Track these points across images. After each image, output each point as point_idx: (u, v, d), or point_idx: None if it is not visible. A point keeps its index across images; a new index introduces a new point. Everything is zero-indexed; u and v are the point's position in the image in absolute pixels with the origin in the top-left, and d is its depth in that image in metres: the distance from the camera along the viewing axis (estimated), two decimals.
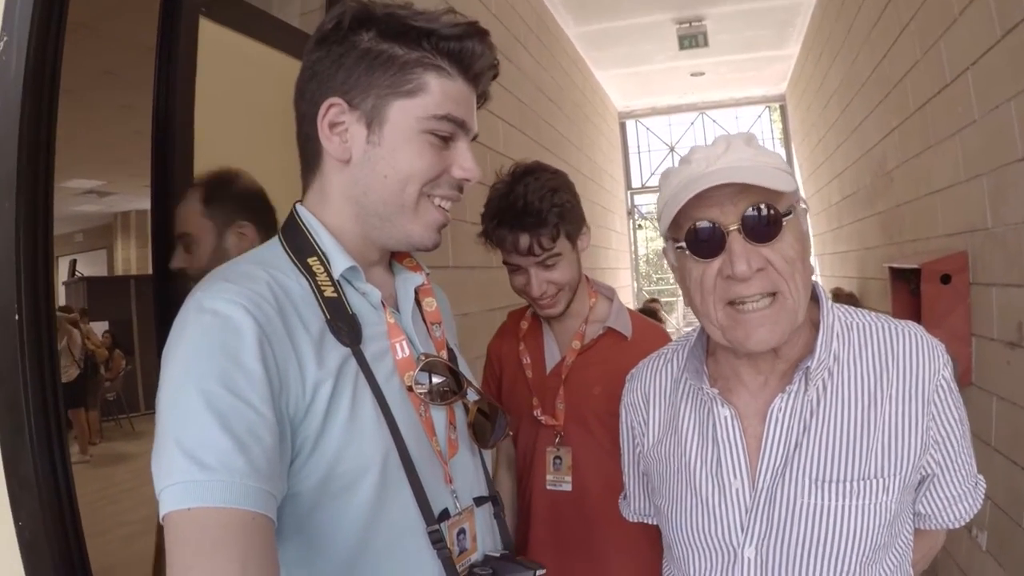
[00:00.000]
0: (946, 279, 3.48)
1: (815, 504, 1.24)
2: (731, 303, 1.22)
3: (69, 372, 2.29)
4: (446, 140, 1.19)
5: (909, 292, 4.07)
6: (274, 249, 1.20)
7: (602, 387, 2.10)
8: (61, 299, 2.12)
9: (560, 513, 2.14)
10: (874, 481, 1.23)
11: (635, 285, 13.56)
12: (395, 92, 1.15)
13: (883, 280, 4.67)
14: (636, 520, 1.65)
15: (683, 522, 1.37)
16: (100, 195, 2.08)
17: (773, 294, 1.20)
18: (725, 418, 1.32)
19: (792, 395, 1.28)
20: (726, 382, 1.36)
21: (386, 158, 1.16)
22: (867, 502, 1.23)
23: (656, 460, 1.47)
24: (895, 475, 1.24)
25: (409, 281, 1.32)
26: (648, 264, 17.70)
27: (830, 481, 1.24)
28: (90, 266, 2.13)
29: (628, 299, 12.03)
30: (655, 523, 1.58)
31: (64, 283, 2.12)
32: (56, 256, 1.86)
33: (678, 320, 14.91)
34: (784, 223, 1.19)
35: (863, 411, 1.27)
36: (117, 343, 2.39)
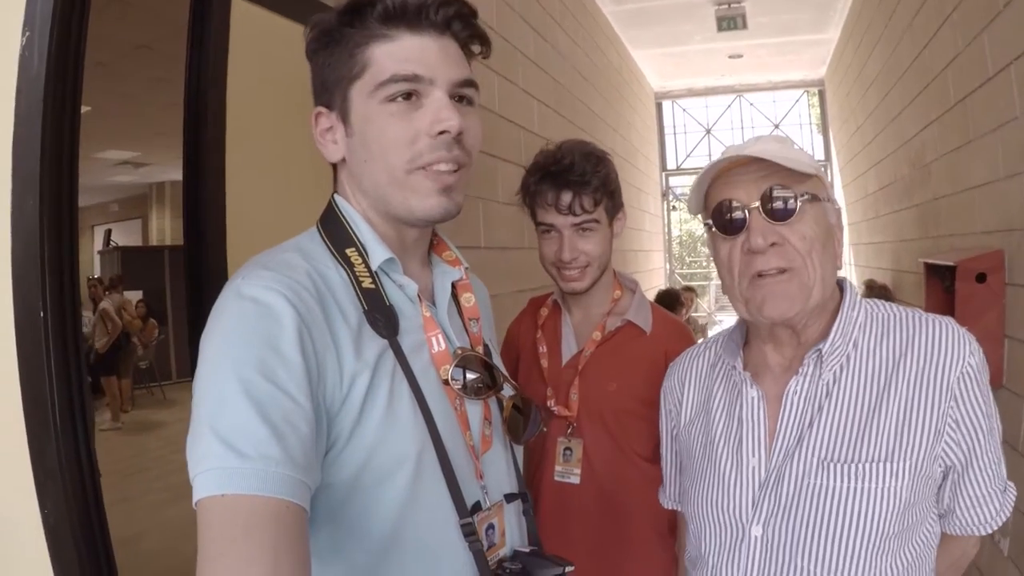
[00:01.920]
0: (981, 278, 3.42)
1: (821, 484, 1.27)
2: (752, 277, 1.30)
3: (101, 341, 2.33)
4: (410, 100, 1.13)
5: (943, 289, 4.01)
6: (313, 238, 1.20)
7: (618, 383, 2.09)
8: (96, 269, 2.15)
9: (567, 505, 2.13)
10: (882, 464, 1.24)
11: (668, 267, 13.49)
12: (350, 78, 1.15)
13: (918, 274, 4.61)
14: (670, 507, 1.71)
15: (701, 498, 1.42)
16: (135, 166, 2.10)
17: (789, 270, 1.28)
18: (752, 398, 1.38)
19: (807, 377, 1.33)
20: (755, 368, 1.42)
21: (361, 144, 1.16)
22: (874, 485, 1.24)
23: (687, 439, 1.53)
24: (905, 459, 1.25)
25: (447, 275, 1.32)
26: (681, 246, 17.61)
27: (838, 462, 1.26)
28: (125, 236, 2.15)
29: (660, 281, 11.99)
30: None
31: (99, 252, 2.16)
32: (91, 226, 1.90)
33: (710, 304, 14.83)
34: (800, 203, 1.27)
35: (877, 395, 1.29)
36: (151, 312, 2.42)
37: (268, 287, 1.00)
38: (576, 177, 2.04)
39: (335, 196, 1.25)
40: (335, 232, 1.19)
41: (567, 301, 2.28)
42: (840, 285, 1.40)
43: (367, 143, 1.15)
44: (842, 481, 1.25)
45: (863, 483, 1.24)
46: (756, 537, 1.32)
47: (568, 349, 2.23)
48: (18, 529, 1.54)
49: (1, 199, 1.49)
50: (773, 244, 1.27)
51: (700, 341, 1.69)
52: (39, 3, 1.44)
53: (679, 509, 1.67)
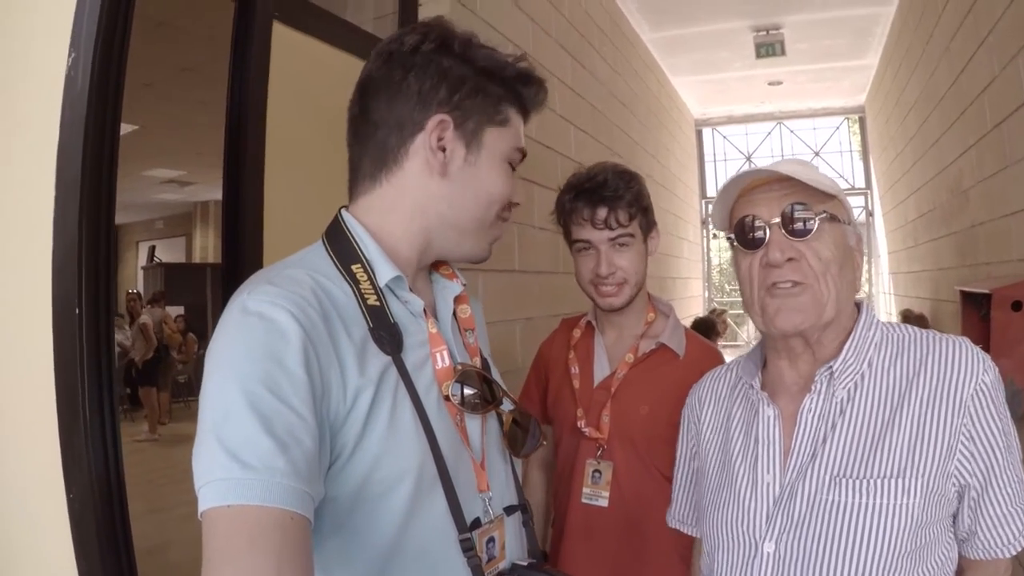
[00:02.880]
0: (1017, 306, 3.37)
1: (833, 500, 1.28)
2: (768, 288, 1.34)
3: (145, 353, 2.38)
4: (513, 169, 1.29)
5: (979, 317, 3.95)
6: (318, 253, 1.22)
7: (650, 407, 2.09)
8: (139, 284, 2.21)
9: (593, 528, 2.12)
10: (894, 481, 1.25)
11: (706, 295, 13.39)
12: (491, 120, 1.24)
13: (955, 303, 4.57)
14: (674, 526, 1.74)
15: (718, 515, 1.44)
16: (180, 184, 2.16)
17: (802, 284, 1.31)
18: (768, 417, 1.40)
19: (820, 395, 1.35)
20: (773, 387, 1.44)
21: (480, 178, 1.24)
22: (886, 502, 1.24)
23: (705, 459, 1.55)
24: (918, 477, 1.25)
25: (448, 290, 1.35)
26: (721, 275, 17.46)
27: (850, 478, 1.27)
28: (169, 252, 2.21)
29: (699, 309, 11.91)
30: (691, 532, 1.67)
31: (143, 268, 2.21)
32: (136, 242, 1.95)
33: (748, 334, 14.67)
34: (818, 221, 1.30)
35: (890, 412, 1.31)
36: (191, 327, 2.47)
37: (273, 303, 1.01)
38: (610, 192, 2.09)
39: (343, 212, 1.27)
40: (341, 248, 1.21)
41: (601, 322, 2.28)
42: (857, 306, 1.42)
43: (487, 182, 1.25)
44: (853, 496, 1.26)
45: (874, 499, 1.25)
46: (768, 553, 1.33)
47: (600, 370, 2.23)
48: (47, 513, 1.60)
49: (45, 202, 1.60)
50: (790, 259, 1.30)
51: (723, 364, 1.71)
52: (84, 27, 1.54)
53: (684, 530, 1.71)
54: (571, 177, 2.21)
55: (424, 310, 1.23)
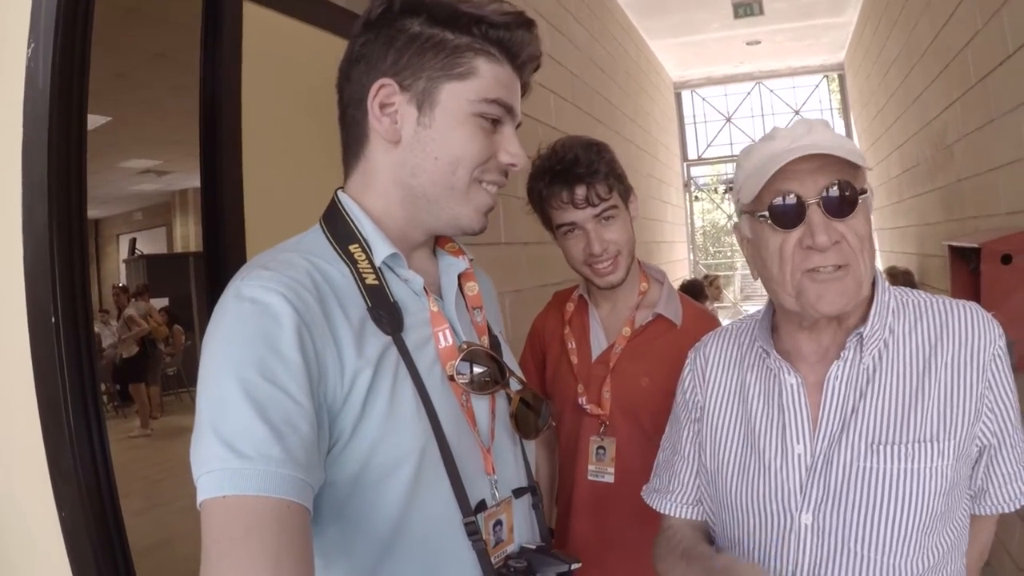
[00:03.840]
0: (1007, 259, 3.39)
1: (871, 467, 1.28)
2: (806, 271, 1.29)
3: (130, 349, 2.36)
4: (494, 124, 1.19)
5: (969, 271, 3.97)
6: (315, 236, 1.21)
7: (650, 378, 2.07)
8: (122, 278, 2.18)
9: (601, 505, 2.11)
10: (929, 444, 1.27)
11: (691, 257, 13.43)
12: (446, 75, 1.15)
13: (943, 258, 4.58)
14: (670, 511, 1.61)
15: (743, 488, 1.41)
16: (158, 174, 2.12)
17: (844, 266, 1.28)
18: (792, 385, 1.38)
19: (848, 362, 1.34)
20: (787, 355, 1.42)
21: (437, 140, 1.16)
22: (922, 465, 1.26)
23: (718, 429, 1.50)
24: (950, 439, 1.27)
25: (453, 267, 1.32)
26: (705, 236, 17.51)
27: (885, 444, 1.28)
28: (150, 244, 2.17)
29: (684, 272, 11.94)
30: (693, 515, 1.57)
31: (124, 261, 2.18)
32: (116, 235, 1.92)
33: (735, 294, 14.76)
34: (860, 201, 1.27)
35: (918, 377, 1.31)
36: (176, 319, 2.44)
37: (267, 287, 1.00)
38: (584, 169, 2.03)
39: (339, 193, 1.25)
40: (338, 229, 1.19)
41: (594, 295, 2.25)
42: None
43: (447, 143, 1.16)
44: (892, 463, 1.27)
45: (913, 463, 1.26)
46: (806, 525, 1.32)
47: (597, 344, 2.21)
48: (37, 532, 1.56)
49: (12, 206, 1.51)
50: (835, 243, 1.26)
51: (720, 328, 1.67)
52: (43, 16, 1.46)
53: (684, 513, 1.58)
54: (537, 160, 2.14)
55: (425, 288, 1.21)
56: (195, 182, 1.97)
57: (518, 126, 1.25)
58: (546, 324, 2.38)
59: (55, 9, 1.46)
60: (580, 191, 2.04)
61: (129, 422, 1.97)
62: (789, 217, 1.28)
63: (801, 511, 1.33)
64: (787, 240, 1.29)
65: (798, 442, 1.35)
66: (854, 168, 1.27)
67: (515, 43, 1.20)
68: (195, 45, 1.89)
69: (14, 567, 1.62)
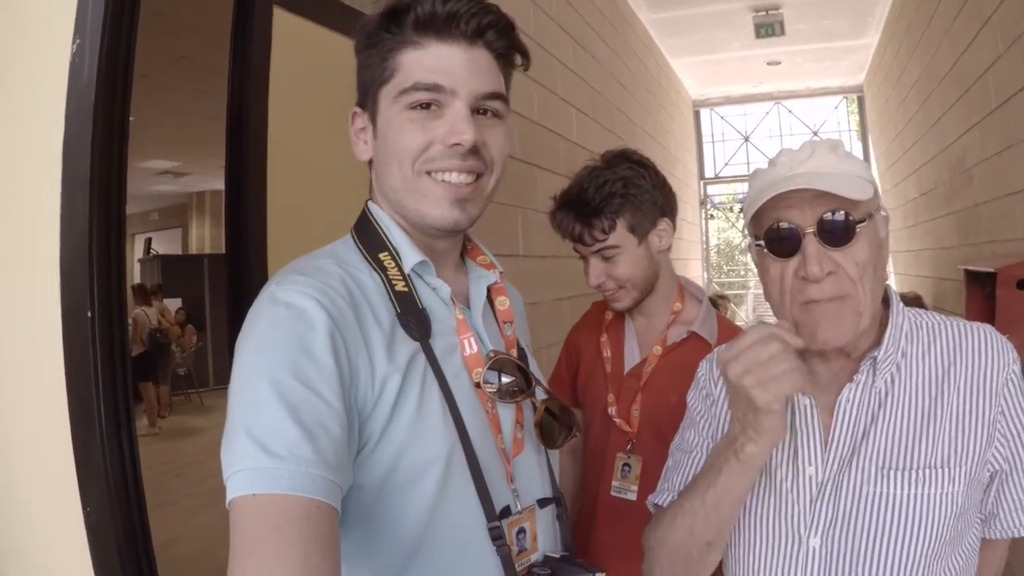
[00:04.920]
0: (1022, 284, 3.38)
1: (881, 492, 1.26)
2: (803, 303, 1.26)
3: (134, 348, 2.36)
4: (430, 109, 1.15)
5: (984, 296, 3.96)
6: (347, 245, 1.22)
7: (679, 395, 2.05)
8: (136, 277, 2.19)
9: (623, 520, 2.09)
10: (940, 470, 1.25)
11: (706, 276, 13.39)
12: (379, 82, 1.18)
13: (958, 282, 4.56)
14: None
15: (753, 508, 1.39)
16: (176, 175, 2.13)
17: (841, 297, 1.24)
18: (805, 406, 1.36)
19: (860, 385, 1.31)
20: None
21: (383, 147, 1.18)
22: (933, 491, 1.24)
23: None
24: (961, 465, 1.25)
25: (482, 279, 1.32)
26: (719, 255, 17.47)
27: (896, 469, 1.26)
28: (165, 244, 2.18)
29: None
30: None
31: (139, 260, 2.18)
32: (132, 234, 1.93)
33: (747, 313, 14.72)
34: (858, 230, 1.23)
35: (930, 402, 1.29)
36: (190, 319, 2.45)
37: (302, 292, 1.01)
38: (584, 208, 2.03)
39: (368, 203, 1.27)
40: (368, 238, 1.21)
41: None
42: (885, 292, 1.37)
43: (387, 146, 1.17)
44: (902, 488, 1.25)
45: (923, 488, 1.24)
46: (815, 548, 1.30)
47: (631, 356, 2.21)
48: (58, 527, 1.56)
49: (49, 200, 1.53)
50: (829, 273, 1.23)
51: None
52: (90, 13, 1.48)
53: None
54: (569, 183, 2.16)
55: (452, 298, 1.22)
56: (213, 184, 1.98)
57: (492, 101, 1.19)
58: (581, 336, 2.39)
59: (103, 5, 1.48)
60: (576, 228, 2.05)
61: (136, 420, 1.97)
62: (784, 247, 1.26)
63: (810, 534, 1.31)
64: (785, 269, 1.27)
65: (809, 464, 1.33)
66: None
67: (433, 18, 1.14)
68: (220, 49, 1.90)
69: (33, 561, 1.63)
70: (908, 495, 1.25)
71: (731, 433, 1.25)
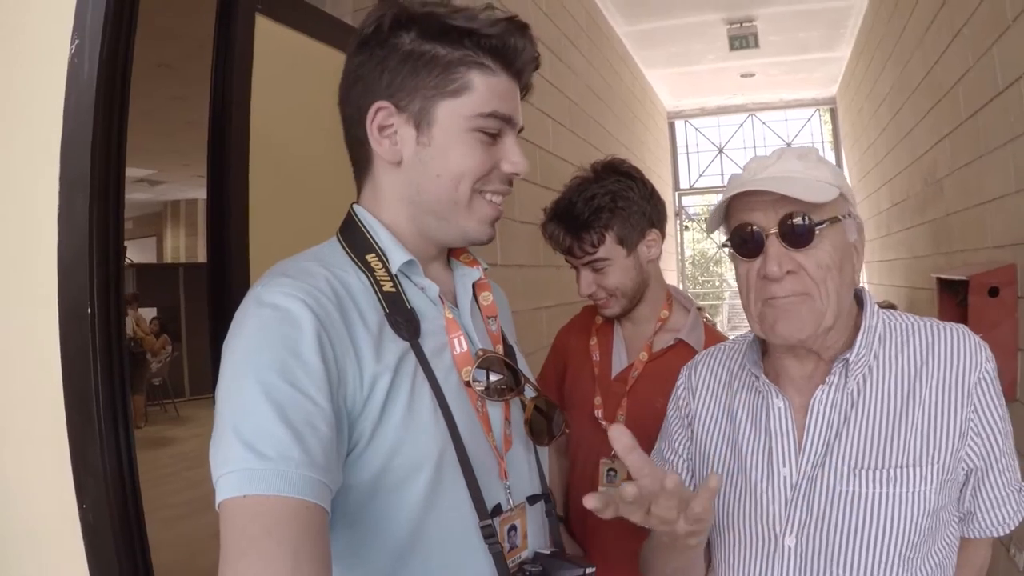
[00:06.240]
0: (994, 292, 3.43)
1: (854, 492, 1.28)
2: (766, 300, 1.30)
3: None
4: (494, 136, 1.20)
5: (956, 304, 4.02)
6: (333, 247, 1.22)
7: (665, 401, 2.08)
8: None
9: (610, 524, 2.12)
10: (912, 469, 1.27)
11: (681, 287, 13.46)
12: (441, 92, 1.16)
13: (931, 290, 4.62)
14: None
15: (731, 508, 1.42)
16: (151, 184, 2.12)
17: (801, 295, 1.28)
18: (779, 408, 1.38)
19: (833, 387, 1.34)
20: (776, 378, 1.42)
21: (437, 158, 1.17)
22: (905, 490, 1.26)
23: (707, 448, 1.51)
24: (933, 464, 1.27)
25: (467, 276, 1.34)
26: (694, 266, 17.57)
27: (869, 469, 1.28)
28: (140, 253, 2.17)
29: None
30: None
31: None
32: None
33: (723, 323, 14.81)
34: (818, 232, 1.26)
35: (902, 401, 1.31)
36: (164, 329, 2.44)
37: (288, 293, 1.02)
38: (574, 221, 2.07)
39: (354, 207, 1.27)
40: (355, 240, 1.21)
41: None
42: (859, 295, 1.41)
43: (447, 160, 1.17)
44: (874, 487, 1.27)
45: (895, 488, 1.26)
46: (790, 547, 1.33)
47: (619, 360, 2.24)
48: (53, 525, 1.55)
49: (46, 198, 1.52)
50: (788, 272, 1.27)
51: (714, 347, 1.67)
52: (89, 13, 1.48)
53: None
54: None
55: (440, 296, 1.23)
56: (188, 193, 1.99)
57: (520, 131, 1.26)
58: (569, 339, 2.41)
59: (103, 5, 1.49)
60: (566, 242, 2.10)
61: None
62: (749, 247, 1.30)
63: (785, 533, 1.33)
64: (751, 268, 1.31)
65: (784, 465, 1.35)
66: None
67: (509, 50, 1.20)
68: (199, 56, 1.90)
69: (28, 559, 1.61)
70: (880, 494, 1.26)
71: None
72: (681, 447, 1.59)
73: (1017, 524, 1.38)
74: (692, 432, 1.56)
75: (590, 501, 1.03)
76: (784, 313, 1.28)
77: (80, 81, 1.48)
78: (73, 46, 1.49)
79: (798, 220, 1.26)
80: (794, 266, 1.27)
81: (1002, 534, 1.37)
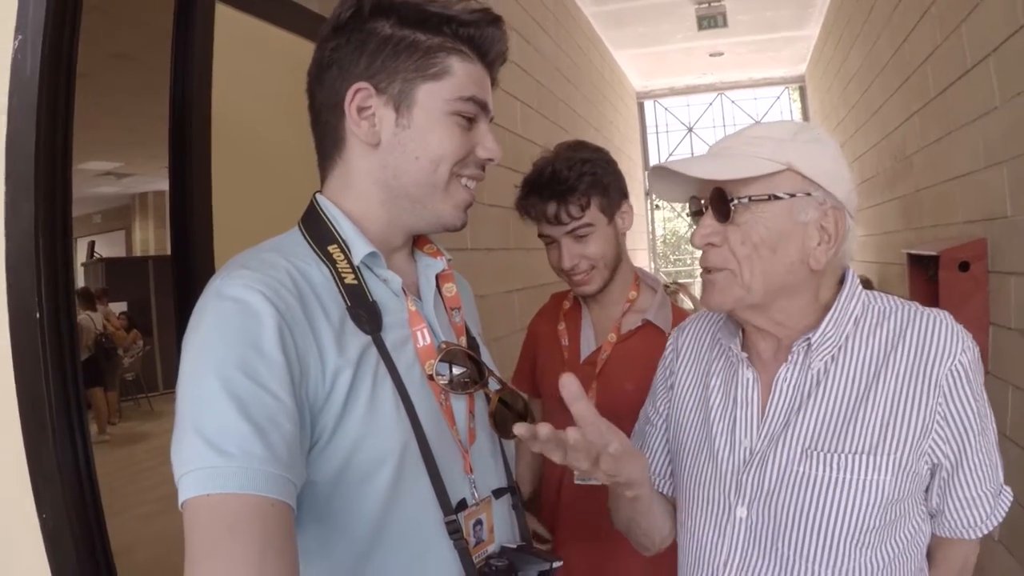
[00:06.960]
0: (964, 266, 3.44)
1: (804, 472, 1.27)
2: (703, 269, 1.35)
3: (83, 352, 2.31)
4: (470, 121, 1.21)
5: (927, 279, 4.03)
6: (294, 237, 1.21)
7: (635, 384, 2.06)
8: (80, 281, 2.14)
9: (590, 507, 2.10)
10: (866, 457, 1.24)
11: (653, 266, 13.52)
12: (421, 76, 1.17)
13: (902, 266, 4.65)
14: None
15: (695, 473, 1.43)
16: (118, 176, 2.09)
17: (724, 269, 1.30)
18: (747, 380, 1.39)
19: (796, 366, 1.33)
20: (749, 351, 1.42)
21: (417, 140, 1.17)
22: (856, 477, 1.23)
23: (681, 413, 1.52)
24: (889, 454, 1.23)
25: (431, 267, 1.32)
26: (666, 244, 17.64)
27: (821, 451, 1.26)
28: (109, 247, 2.14)
29: None
30: (662, 488, 1.59)
31: (83, 264, 2.14)
32: (75, 238, 1.89)
33: (694, 301, 14.90)
34: (734, 207, 1.26)
35: (865, 387, 1.28)
36: (134, 323, 2.41)
37: (247, 286, 1.00)
38: (559, 187, 2.06)
39: (317, 196, 1.25)
40: (317, 230, 1.20)
41: (585, 298, 2.28)
42: (843, 276, 1.36)
43: (426, 142, 1.18)
44: (824, 471, 1.25)
45: (845, 474, 1.24)
46: (741, 518, 1.33)
47: (587, 344, 2.24)
48: (16, 535, 1.53)
49: None
50: (710, 244, 1.30)
51: (703, 313, 1.65)
52: (31, 9, 1.44)
53: (656, 485, 1.62)
54: (529, 173, 2.19)
55: (403, 288, 1.21)
56: (156, 185, 1.95)
57: (491, 120, 1.28)
58: (540, 325, 2.43)
59: (45, 1, 1.44)
60: (551, 208, 2.08)
61: None
62: (696, 217, 1.36)
63: (737, 503, 1.33)
64: None
65: (745, 436, 1.35)
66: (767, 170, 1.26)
67: (485, 40, 1.23)
68: (160, 46, 1.86)
69: None
70: (830, 479, 1.24)
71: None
72: (663, 407, 1.60)
73: (991, 528, 1.33)
74: (671, 394, 1.57)
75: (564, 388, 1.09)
76: (709, 284, 1.33)
77: (23, 79, 1.44)
78: (16, 42, 1.45)
79: (716, 194, 1.28)
80: (718, 239, 1.29)
81: (974, 537, 1.33)
